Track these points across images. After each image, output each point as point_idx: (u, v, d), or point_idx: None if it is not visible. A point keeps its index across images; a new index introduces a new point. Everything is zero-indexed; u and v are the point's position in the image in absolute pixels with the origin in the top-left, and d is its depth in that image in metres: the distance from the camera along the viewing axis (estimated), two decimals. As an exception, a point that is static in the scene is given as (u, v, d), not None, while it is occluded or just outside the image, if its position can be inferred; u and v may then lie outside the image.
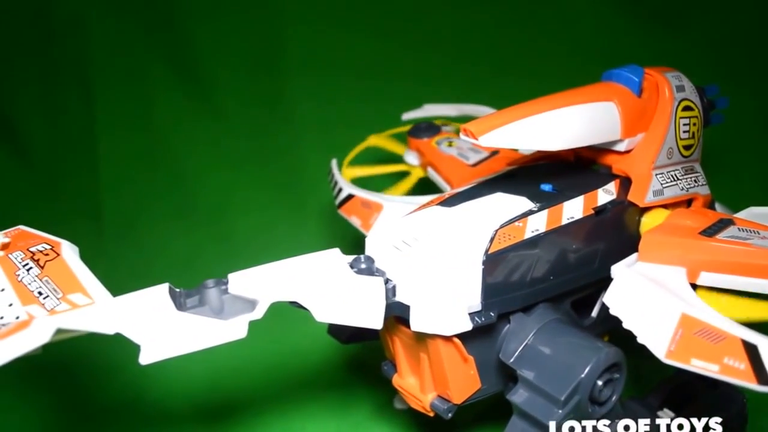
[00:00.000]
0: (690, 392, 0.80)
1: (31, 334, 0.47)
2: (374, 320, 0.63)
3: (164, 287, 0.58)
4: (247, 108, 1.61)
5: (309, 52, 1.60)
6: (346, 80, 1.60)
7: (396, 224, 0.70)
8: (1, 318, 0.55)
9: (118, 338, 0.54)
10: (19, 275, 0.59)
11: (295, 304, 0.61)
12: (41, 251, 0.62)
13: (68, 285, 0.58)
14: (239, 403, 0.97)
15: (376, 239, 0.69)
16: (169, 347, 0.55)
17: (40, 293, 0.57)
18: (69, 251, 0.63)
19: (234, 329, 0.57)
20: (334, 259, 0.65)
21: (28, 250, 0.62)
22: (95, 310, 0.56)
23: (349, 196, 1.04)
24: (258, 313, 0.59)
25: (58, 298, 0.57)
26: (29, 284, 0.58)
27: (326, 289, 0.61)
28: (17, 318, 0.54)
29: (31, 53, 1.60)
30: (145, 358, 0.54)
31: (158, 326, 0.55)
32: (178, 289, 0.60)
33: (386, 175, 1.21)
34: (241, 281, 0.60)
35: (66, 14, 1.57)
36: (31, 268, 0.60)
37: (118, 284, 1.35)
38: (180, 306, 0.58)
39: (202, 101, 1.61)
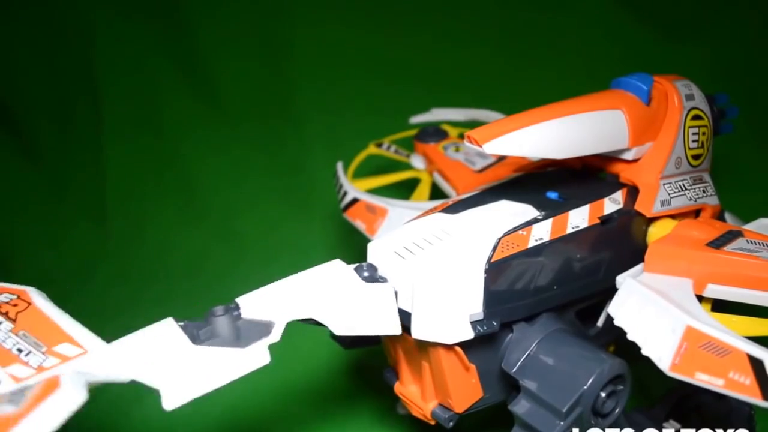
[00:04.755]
0: (696, 403, 0.80)
1: (67, 393, 0.43)
2: (392, 326, 0.63)
3: (170, 321, 0.55)
4: (255, 112, 1.61)
5: (318, 56, 1.60)
6: (354, 83, 1.60)
7: (399, 230, 0.70)
8: None
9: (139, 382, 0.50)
10: None
11: (310, 321, 0.60)
12: (8, 303, 0.54)
13: (50, 336, 0.52)
14: (240, 407, 0.97)
15: (378, 245, 0.68)
16: (192, 387, 0.51)
17: (19, 350, 0.50)
18: (39, 298, 0.56)
19: (256, 356, 0.55)
20: (340, 270, 0.64)
21: None
22: (96, 358, 0.50)
23: (354, 200, 1.03)
24: (276, 336, 0.56)
25: (42, 353, 0.50)
26: (3, 342, 0.51)
27: (340, 301, 0.60)
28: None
29: (39, 55, 1.60)
30: (169, 403, 0.50)
31: (177, 366, 0.51)
32: (183, 322, 0.56)
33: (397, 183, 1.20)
34: (253, 304, 0.58)
35: (75, 16, 1.57)
36: (1, 323, 0.52)
37: (123, 288, 1.36)
38: (194, 339, 0.54)
39: (210, 104, 1.61)
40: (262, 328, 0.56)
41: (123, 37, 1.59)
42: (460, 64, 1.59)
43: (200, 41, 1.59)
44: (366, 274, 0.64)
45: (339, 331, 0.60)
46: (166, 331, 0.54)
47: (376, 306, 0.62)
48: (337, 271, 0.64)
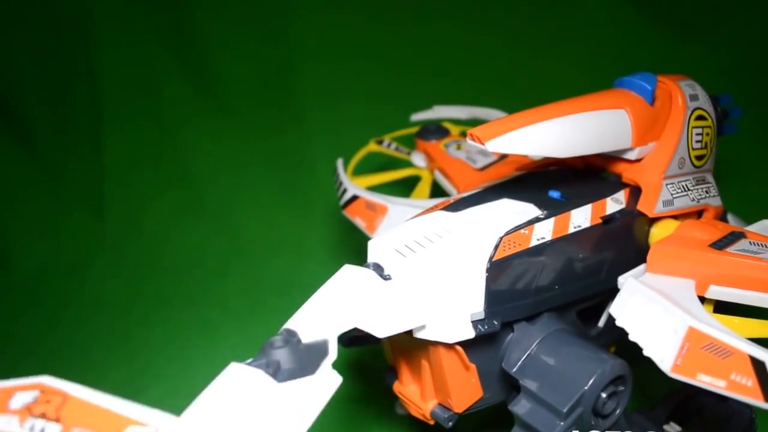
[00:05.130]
0: (697, 405, 0.79)
1: None
2: (421, 318, 0.62)
3: (237, 366, 0.50)
4: (255, 105, 1.61)
5: (319, 50, 1.59)
6: (356, 79, 1.59)
7: (399, 228, 0.69)
8: None
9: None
10: None
11: (347, 335, 0.59)
12: (35, 402, 0.44)
13: (108, 424, 0.43)
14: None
15: (379, 243, 0.68)
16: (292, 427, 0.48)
17: None
18: (65, 384, 0.45)
19: (327, 379, 0.52)
20: (359, 274, 0.62)
21: (16, 409, 0.43)
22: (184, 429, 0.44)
23: (354, 197, 1.03)
24: (333, 352, 0.55)
25: None
26: None
27: (374, 304, 0.59)
28: None
29: (36, 45, 1.60)
30: None
31: (266, 412, 0.47)
32: (249, 361, 0.51)
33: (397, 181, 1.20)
34: (307, 327, 0.56)
35: (73, 6, 1.57)
36: (43, 429, 0.42)
37: (120, 281, 1.35)
38: (275, 375, 0.50)
39: (210, 97, 1.61)
40: (320, 349, 0.54)
41: (122, 28, 1.58)
42: (463, 60, 1.58)
43: (201, 35, 1.59)
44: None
45: (381, 334, 0.59)
46: (241, 376, 0.49)
47: (403, 302, 0.61)
48: (357, 276, 0.62)
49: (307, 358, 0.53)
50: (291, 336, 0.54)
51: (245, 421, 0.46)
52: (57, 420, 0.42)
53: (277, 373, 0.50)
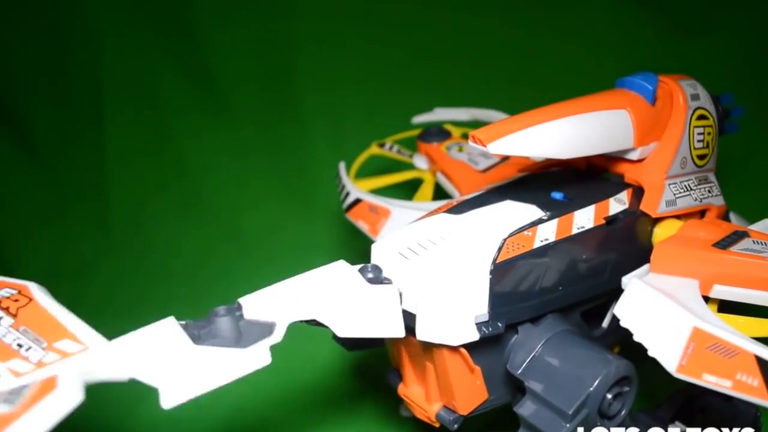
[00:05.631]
0: (702, 405, 0.79)
1: (64, 394, 0.42)
2: (395, 329, 0.62)
3: (171, 320, 0.54)
4: (257, 105, 1.61)
5: (319, 47, 1.59)
6: (357, 78, 1.59)
7: (403, 231, 0.69)
8: None
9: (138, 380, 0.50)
10: None
11: (312, 322, 0.59)
12: (9, 297, 0.54)
13: (51, 331, 0.51)
14: (244, 407, 0.96)
15: (382, 246, 0.68)
16: (191, 386, 0.50)
17: (20, 345, 0.49)
18: (40, 293, 0.55)
19: (256, 357, 0.54)
20: (344, 270, 0.63)
21: None
22: (96, 355, 0.50)
23: (357, 201, 1.03)
24: (277, 336, 0.56)
25: (43, 348, 0.49)
26: (3, 337, 0.50)
27: (343, 303, 0.60)
28: None
29: (38, 46, 1.60)
30: (167, 402, 0.49)
31: (177, 365, 0.50)
32: (184, 321, 0.55)
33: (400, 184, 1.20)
34: (255, 305, 0.58)
35: (77, 14, 1.57)
36: (1, 318, 0.52)
37: (125, 288, 1.35)
38: (195, 338, 0.54)
39: (212, 98, 1.61)
40: (264, 329, 0.56)
41: (121, 27, 1.58)
42: (464, 61, 1.58)
43: (201, 35, 1.59)
44: (370, 275, 0.64)
45: (341, 333, 0.59)
46: (167, 330, 0.53)
47: (379, 308, 0.61)
48: (340, 272, 0.63)
49: (245, 333, 0.55)
50: (236, 309, 0.57)
51: (152, 365, 0.50)
52: (14, 315, 0.52)
53: (199, 337, 0.54)
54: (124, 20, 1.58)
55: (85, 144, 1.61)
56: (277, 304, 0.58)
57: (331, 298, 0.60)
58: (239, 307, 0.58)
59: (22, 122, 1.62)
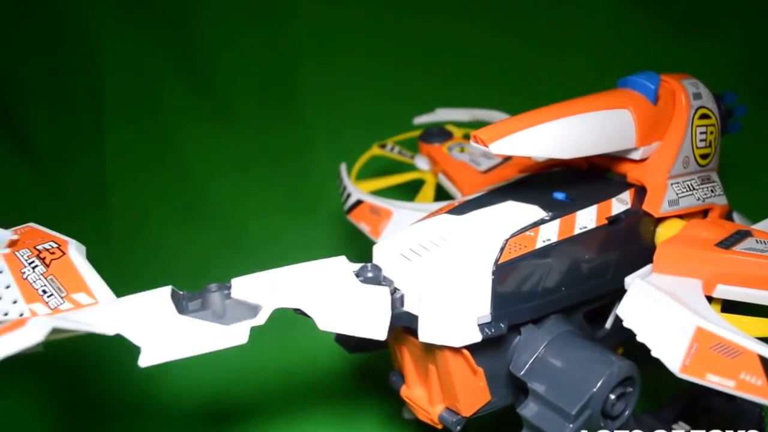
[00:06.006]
0: (705, 405, 0.79)
1: (25, 332, 0.46)
2: (378, 331, 0.62)
3: (167, 290, 0.58)
4: (258, 108, 1.61)
5: (320, 51, 1.59)
6: (358, 80, 1.59)
7: (405, 232, 0.69)
8: (6, 314, 0.55)
9: (124, 338, 0.53)
10: (24, 273, 0.58)
11: (298, 312, 0.60)
12: (48, 249, 0.61)
13: (73, 284, 0.58)
14: (246, 409, 0.96)
15: (384, 247, 0.68)
16: (168, 350, 0.54)
17: (44, 291, 0.57)
18: (75, 251, 0.62)
19: (234, 335, 0.57)
20: (340, 267, 0.63)
21: (35, 248, 0.61)
22: (96, 310, 0.56)
23: (358, 202, 1.03)
24: (260, 319, 0.58)
25: (62, 297, 0.57)
26: (34, 282, 0.57)
27: (330, 297, 0.60)
28: (21, 315, 0.55)
29: (40, 53, 1.60)
30: (144, 361, 0.54)
31: (158, 329, 0.55)
32: (181, 292, 0.59)
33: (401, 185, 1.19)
34: (244, 286, 0.60)
35: (74, 11, 1.57)
36: (36, 266, 0.59)
37: (125, 286, 1.35)
38: (182, 309, 0.57)
39: (212, 102, 1.61)
40: (249, 310, 0.58)
41: (122, 32, 1.59)
42: (466, 61, 1.58)
43: (201, 39, 1.59)
44: (370, 274, 0.64)
45: (322, 326, 0.60)
46: (160, 298, 0.57)
47: (365, 308, 0.61)
48: (336, 267, 0.63)
49: (230, 311, 0.59)
50: (226, 287, 0.60)
51: (138, 326, 0.54)
52: (47, 265, 0.59)
53: (186, 308, 0.58)
54: (126, 29, 1.59)
55: (87, 151, 1.61)
56: (267, 288, 0.60)
57: (319, 291, 0.60)
58: (228, 286, 0.60)
59: (23, 130, 1.63)
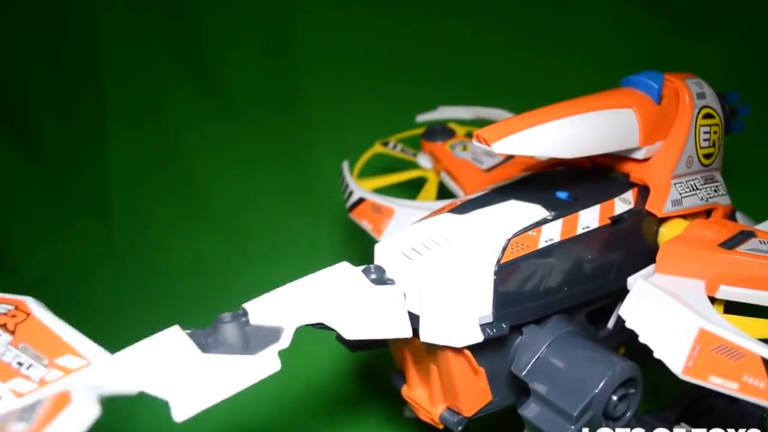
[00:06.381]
0: (708, 406, 0.79)
1: (78, 408, 0.41)
2: (402, 329, 0.62)
3: (177, 329, 0.53)
4: (260, 107, 1.61)
5: (323, 50, 1.59)
6: (361, 79, 1.59)
7: (406, 231, 0.69)
8: None
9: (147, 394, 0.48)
10: None
11: (318, 326, 0.59)
12: (5, 314, 0.52)
13: (52, 347, 0.49)
14: (247, 408, 0.96)
15: (385, 246, 0.67)
16: (203, 397, 0.49)
17: (20, 363, 0.48)
18: (37, 307, 0.54)
19: (267, 363, 0.53)
20: (349, 273, 0.63)
21: None
22: (101, 370, 0.48)
23: (360, 200, 1.02)
24: (285, 342, 0.55)
25: (44, 365, 0.48)
26: (2, 355, 0.48)
27: (349, 305, 0.59)
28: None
29: (41, 48, 1.60)
30: (179, 415, 0.48)
31: (186, 375, 0.49)
32: (189, 330, 0.54)
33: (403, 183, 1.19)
34: (261, 310, 0.57)
35: (77, 9, 1.56)
36: None
37: (125, 287, 1.35)
38: (203, 347, 0.53)
39: (215, 100, 1.61)
40: (271, 334, 0.55)
41: (125, 32, 1.58)
42: (469, 60, 1.58)
43: (204, 37, 1.59)
44: (374, 276, 0.64)
45: (349, 336, 0.59)
46: (174, 339, 0.52)
47: (385, 309, 0.61)
48: (345, 273, 0.63)
49: (252, 339, 0.54)
50: (241, 315, 0.56)
51: (161, 377, 0.49)
52: (12, 332, 0.50)
53: (207, 345, 0.53)
54: (129, 28, 1.58)
55: (90, 151, 1.61)
56: (283, 308, 0.57)
57: (337, 301, 0.59)
58: (245, 313, 0.56)
59: (26, 129, 1.63)
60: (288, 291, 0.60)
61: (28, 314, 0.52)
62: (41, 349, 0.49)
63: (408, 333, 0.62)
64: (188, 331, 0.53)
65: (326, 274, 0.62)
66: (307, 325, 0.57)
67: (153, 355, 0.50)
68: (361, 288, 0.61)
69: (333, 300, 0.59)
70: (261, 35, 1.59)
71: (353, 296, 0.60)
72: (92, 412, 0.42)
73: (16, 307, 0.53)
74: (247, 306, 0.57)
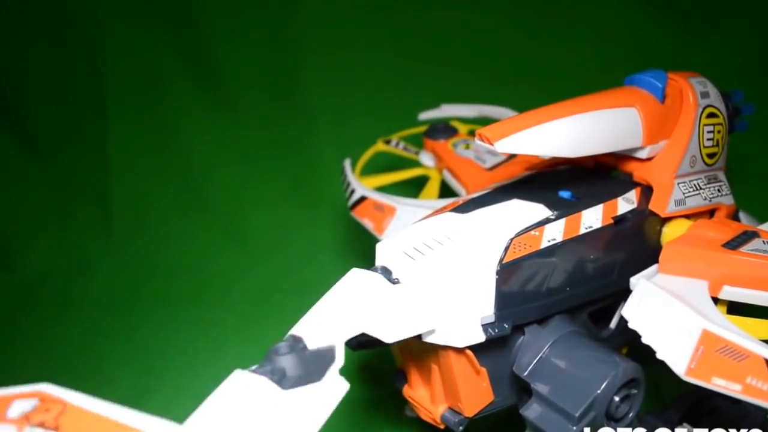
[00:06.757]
0: (710, 407, 0.78)
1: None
2: (429, 323, 0.61)
3: (241, 372, 0.49)
4: (261, 99, 1.60)
5: (325, 42, 1.58)
6: (363, 71, 1.58)
7: (408, 230, 0.68)
8: None
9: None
10: None
11: (358, 339, 0.58)
12: (34, 411, 0.43)
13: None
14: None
15: (387, 245, 0.67)
16: None
17: None
18: (64, 393, 0.44)
19: (336, 386, 0.51)
20: (367, 278, 0.62)
21: (13, 418, 0.42)
22: None
23: (362, 198, 1.02)
24: (340, 359, 0.53)
25: None
26: None
27: (382, 309, 0.58)
28: None
29: (41, 41, 1.59)
30: None
31: (271, 418, 0.46)
32: (253, 368, 0.50)
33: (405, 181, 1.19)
34: (313, 333, 0.55)
35: (77, 2, 1.56)
36: None
37: (126, 283, 1.35)
38: (279, 383, 0.49)
39: (216, 93, 1.60)
40: (327, 355, 0.53)
41: (124, 24, 1.57)
42: (472, 54, 1.57)
43: (204, 29, 1.58)
44: (393, 276, 0.63)
45: (389, 339, 0.58)
46: (245, 383, 0.48)
47: (411, 306, 0.60)
48: (365, 280, 0.61)
49: (314, 365, 0.52)
50: (297, 342, 0.53)
51: (251, 430, 0.45)
52: (56, 429, 0.41)
53: (283, 380, 0.50)
54: (128, 19, 1.58)
55: (89, 143, 1.60)
56: (330, 326, 0.56)
57: (370, 307, 0.58)
58: (299, 340, 0.54)
59: (25, 121, 1.62)
60: (323, 308, 0.58)
61: (63, 403, 0.43)
62: None
63: (435, 325, 0.61)
64: (253, 369, 0.50)
65: (347, 285, 0.61)
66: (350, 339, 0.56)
67: (231, 407, 0.47)
68: (386, 291, 0.60)
69: (367, 307, 0.58)
70: (262, 26, 1.58)
71: (383, 300, 0.59)
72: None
73: (41, 400, 0.43)
74: (297, 332, 0.55)
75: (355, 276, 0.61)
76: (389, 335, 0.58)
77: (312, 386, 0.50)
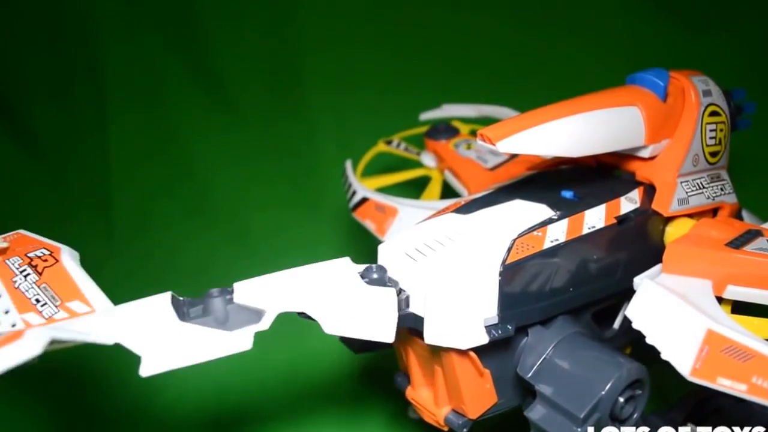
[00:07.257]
0: (715, 406, 0.78)
1: (23, 344, 0.45)
2: (386, 333, 0.61)
3: (167, 296, 0.57)
4: (264, 106, 1.60)
5: (325, 42, 1.58)
6: (364, 71, 1.58)
7: (410, 232, 0.68)
8: None
9: (123, 348, 0.52)
10: (16, 282, 0.57)
11: (303, 315, 0.59)
12: (39, 257, 0.60)
13: (67, 292, 0.57)
14: (250, 409, 0.96)
15: (389, 247, 0.67)
16: (170, 359, 0.53)
17: (37, 300, 0.55)
18: (68, 257, 0.61)
19: (238, 341, 0.56)
20: (345, 268, 0.63)
21: (26, 255, 0.60)
22: (94, 319, 0.54)
23: (364, 200, 1.02)
24: (264, 324, 0.57)
25: (56, 306, 0.55)
26: (26, 291, 0.56)
27: (335, 300, 0.59)
28: (13, 326, 0.53)
29: (41, 43, 1.59)
30: (145, 370, 0.53)
31: (159, 337, 0.53)
32: (181, 298, 0.58)
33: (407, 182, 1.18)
34: (247, 291, 0.58)
35: (77, 4, 1.56)
36: (28, 274, 0.58)
37: (127, 287, 1.35)
38: (183, 316, 0.56)
39: (216, 95, 1.60)
40: (253, 315, 0.57)
41: (125, 25, 1.58)
42: (474, 53, 1.57)
43: (205, 30, 1.58)
44: (375, 276, 0.63)
45: (328, 330, 0.59)
46: (160, 304, 0.56)
47: (371, 310, 0.60)
48: (340, 268, 0.63)
49: (233, 317, 0.58)
50: (228, 292, 0.58)
51: (138, 335, 0.53)
52: (39, 273, 0.58)
53: (188, 314, 0.57)
54: (129, 21, 1.58)
55: (90, 145, 1.60)
56: (270, 292, 0.59)
57: (324, 294, 0.59)
58: (232, 291, 0.59)
59: (26, 124, 1.62)
60: (280, 277, 0.61)
61: (57, 261, 0.60)
62: (58, 292, 0.56)
63: (389, 338, 0.61)
64: (180, 299, 0.58)
65: (322, 267, 0.63)
66: (292, 312, 0.59)
67: (138, 314, 0.55)
68: (352, 285, 0.61)
69: (321, 292, 0.59)
70: (262, 26, 1.58)
71: (341, 292, 0.60)
72: (32, 351, 0.45)
73: (51, 253, 0.61)
74: (237, 285, 0.59)
75: (337, 263, 0.63)
76: (330, 327, 0.59)
77: (216, 331, 0.55)
